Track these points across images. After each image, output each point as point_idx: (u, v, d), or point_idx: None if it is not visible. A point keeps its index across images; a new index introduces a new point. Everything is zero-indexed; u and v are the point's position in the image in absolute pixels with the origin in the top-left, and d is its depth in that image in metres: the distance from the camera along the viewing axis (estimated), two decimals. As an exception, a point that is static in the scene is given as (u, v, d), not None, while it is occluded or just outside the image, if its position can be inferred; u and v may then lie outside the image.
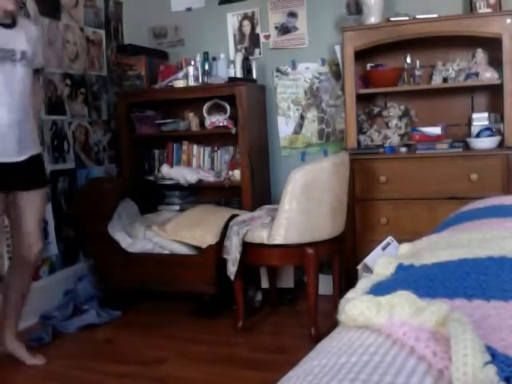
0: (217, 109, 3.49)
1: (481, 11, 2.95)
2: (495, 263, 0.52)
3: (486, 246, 0.58)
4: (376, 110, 3.30)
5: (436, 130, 3.07)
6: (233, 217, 2.94)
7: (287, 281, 3.29)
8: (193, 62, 3.48)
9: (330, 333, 0.63)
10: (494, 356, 0.42)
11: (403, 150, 3.10)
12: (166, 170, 3.60)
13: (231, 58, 3.62)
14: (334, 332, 0.54)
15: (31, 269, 2.54)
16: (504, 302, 0.47)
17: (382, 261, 0.60)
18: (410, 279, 0.53)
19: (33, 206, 2.42)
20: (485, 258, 0.55)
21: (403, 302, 0.46)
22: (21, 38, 2.26)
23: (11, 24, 2.24)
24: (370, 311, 0.47)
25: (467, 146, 2.98)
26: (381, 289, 0.52)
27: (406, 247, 0.75)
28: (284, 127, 3.64)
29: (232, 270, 2.70)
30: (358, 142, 3.18)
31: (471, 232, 0.72)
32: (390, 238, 2.75)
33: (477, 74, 3.00)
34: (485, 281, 0.49)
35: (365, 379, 0.41)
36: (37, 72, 2.48)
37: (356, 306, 0.48)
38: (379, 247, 2.72)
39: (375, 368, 0.42)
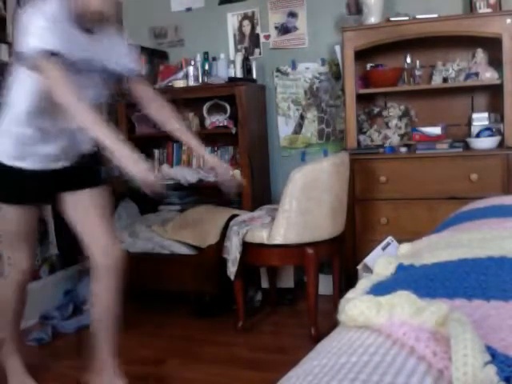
0: (217, 109, 3.49)
1: (481, 11, 2.95)
2: (495, 263, 0.52)
3: (485, 246, 0.58)
4: (376, 109, 3.30)
5: (436, 130, 3.07)
6: (233, 217, 2.94)
7: (287, 281, 3.29)
8: (193, 62, 3.48)
9: (330, 333, 0.63)
10: (494, 356, 0.42)
11: (403, 149, 3.10)
12: (166, 169, 3.60)
13: (231, 57, 3.62)
14: (334, 332, 0.54)
15: (114, 280, 2.02)
16: (504, 302, 0.47)
17: (381, 261, 0.60)
18: (410, 279, 0.53)
19: (86, 207, 2.06)
20: (485, 258, 0.55)
21: (403, 302, 0.46)
22: (103, 46, 1.90)
23: (93, 29, 1.85)
24: (370, 311, 0.47)
25: (467, 146, 2.98)
26: (381, 289, 0.52)
27: (405, 247, 0.75)
28: (284, 127, 3.64)
29: (232, 269, 2.70)
30: (358, 142, 3.18)
31: (471, 232, 0.72)
32: (390, 238, 2.75)
33: (477, 74, 3.00)
34: (485, 281, 0.49)
35: (365, 379, 0.41)
36: (139, 78, 2.13)
37: (356, 306, 0.48)
38: (379, 247, 2.72)
39: (375, 368, 0.42)
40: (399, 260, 0.60)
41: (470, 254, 0.56)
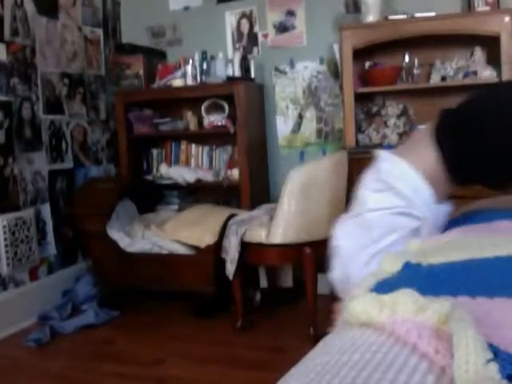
0: (215, 108, 3.48)
1: (479, 9, 2.95)
2: (502, 261, 0.52)
3: (495, 248, 0.58)
4: (374, 108, 3.30)
5: (434, 129, 3.07)
6: (231, 216, 2.94)
7: (286, 280, 3.28)
8: (191, 61, 3.48)
9: (329, 332, 0.62)
10: (497, 353, 0.42)
11: (402, 148, 3.09)
12: (164, 169, 3.60)
13: (229, 56, 3.61)
14: (335, 330, 0.54)
15: None
16: (508, 299, 0.47)
17: (388, 257, 0.60)
18: (415, 277, 0.52)
19: None
20: (492, 257, 0.54)
21: (406, 299, 0.46)
22: None
23: None
24: (373, 309, 0.47)
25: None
26: (384, 286, 0.51)
27: (415, 243, 0.73)
28: (282, 126, 3.64)
29: (231, 269, 2.69)
30: (357, 141, 3.17)
31: (484, 234, 0.71)
32: (388, 237, 2.74)
33: (475, 73, 2.99)
34: (489, 278, 0.49)
35: (366, 377, 0.41)
36: None
37: (359, 303, 0.48)
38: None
39: (377, 365, 0.42)
40: (407, 257, 0.60)
41: (478, 254, 0.56)
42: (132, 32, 3.95)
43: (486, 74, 2.97)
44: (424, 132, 0.86)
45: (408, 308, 0.45)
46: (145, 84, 3.60)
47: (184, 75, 3.47)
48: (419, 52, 3.17)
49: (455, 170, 0.82)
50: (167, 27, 3.86)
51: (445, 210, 1.03)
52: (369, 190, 1.00)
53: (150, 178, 3.69)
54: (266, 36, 3.62)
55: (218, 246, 2.83)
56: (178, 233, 3.03)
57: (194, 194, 3.75)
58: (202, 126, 3.51)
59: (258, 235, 2.64)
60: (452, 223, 0.88)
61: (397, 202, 0.97)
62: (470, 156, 0.79)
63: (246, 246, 2.68)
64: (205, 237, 2.93)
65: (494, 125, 0.75)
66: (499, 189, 0.99)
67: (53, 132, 3.33)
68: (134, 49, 3.69)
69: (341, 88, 3.27)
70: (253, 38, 3.65)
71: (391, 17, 3.03)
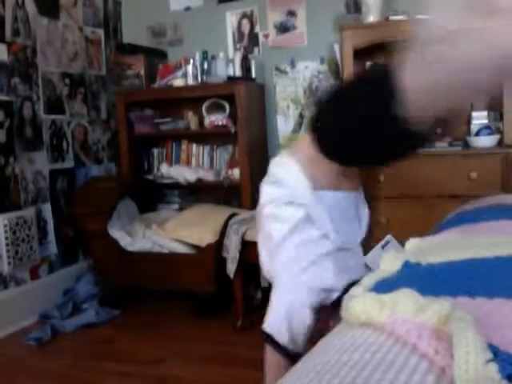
0: (216, 108, 3.48)
1: (480, 10, 2.95)
2: (502, 262, 0.52)
3: (495, 248, 0.58)
4: (375, 108, 3.30)
5: (435, 129, 3.06)
6: (232, 216, 2.94)
7: (287, 280, 3.28)
8: (192, 61, 3.48)
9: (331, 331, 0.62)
10: (497, 354, 0.42)
11: (402, 148, 3.09)
12: (165, 168, 3.60)
13: (230, 56, 3.61)
14: (336, 329, 0.54)
15: None
16: (507, 300, 0.47)
17: (388, 257, 0.60)
18: (415, 277, 0.53)
19: None
20: (492, 258, 0.55)
21: (406, 299, 0.46)
22: None
23: None
24: (373, 309, 0.47)
25: (466, 145, 2.98)
26: (384, 286, 0.52)
27: (414, 242, 0.74)
28: (283, 126, 3.64)
29: (231, 268, 2.70)
30: (358, 141, 3.17)
31: (482, 234, 0.71)
32: (389, 237, 2.75)
33: (476, 73, 2.99)
34: (489, 279, 0.49)
35: (366, 377, 0.41)
36: None
37: (359, 303, 0.48)
38: (379, 246, 2.72)
39: (377, 365, 0.42)
40: (406, 256, 0.60)
41: (478, 254, 0.56)
42: (133, 32, 3.95)
43: (487, 74, 2.97)
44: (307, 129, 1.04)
45: (408, 308, 0.45)
46: (146, 84, 3.60)
47: (185, 75, 3.47)
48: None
49: (331, 157, 0.97)
50: (168, 27, 3.86)
51: (339, 195, 1.16)
52: (265, 183, 1.22)
53: (150, 177, 3.69)
54: (266, 36, 3.62)
55: (218, 245, 2.83)
56: (179, 232, 3.03)
57: (195, 193, 3.75)
58: (203, 126, 3.51)
59: (259, 235, 2.64)
60: (450, 223, 0.89)
61: (281, 191, 1.15)
62: (338, 147, 0.95)
63: (246, 245, 2.68)
64: (205, 236, 2.94)
65: (355, 122, 0.89)
66: (369, 168, 1.17)
67: (54, 131, 3.33)
68: (134, 49, 3.70)
69: (341, 88, 3.26)
70: (253, 38, 3.65)
71: (392, 17, 3.03)
